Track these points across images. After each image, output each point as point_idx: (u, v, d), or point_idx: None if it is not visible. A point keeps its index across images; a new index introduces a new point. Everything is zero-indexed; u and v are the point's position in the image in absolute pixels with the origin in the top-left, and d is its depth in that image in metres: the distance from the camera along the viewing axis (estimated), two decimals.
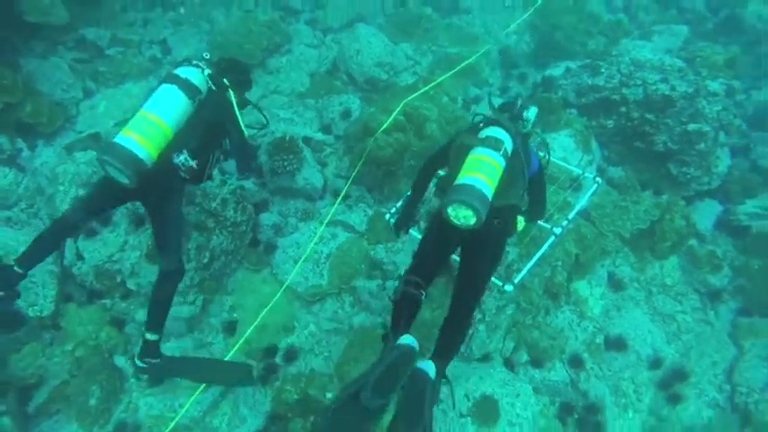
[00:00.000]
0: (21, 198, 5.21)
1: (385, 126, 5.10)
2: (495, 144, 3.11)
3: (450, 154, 3.43)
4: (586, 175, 4.79)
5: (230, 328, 4.84)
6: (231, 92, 3.77)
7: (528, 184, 3.40)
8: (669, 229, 5.38)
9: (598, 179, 4.72)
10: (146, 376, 4.55)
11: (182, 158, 3.50)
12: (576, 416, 4.63)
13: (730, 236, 5.64)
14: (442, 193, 3.35)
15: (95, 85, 6.15)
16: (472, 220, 2.94)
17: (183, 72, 3.54)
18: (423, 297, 3.15)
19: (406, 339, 2.81)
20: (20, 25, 5.92)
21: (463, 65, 6.32)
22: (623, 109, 5.69)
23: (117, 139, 3.21)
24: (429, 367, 2.81)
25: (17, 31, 6.00)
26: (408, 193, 4.04)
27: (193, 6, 7.34)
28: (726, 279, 5.40)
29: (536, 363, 4.77)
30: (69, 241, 4.89)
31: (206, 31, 7.14)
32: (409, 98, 5.39)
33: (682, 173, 5.59)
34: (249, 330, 4.50)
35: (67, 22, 6.18)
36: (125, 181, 3.19)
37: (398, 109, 5.19)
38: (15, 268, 3.51)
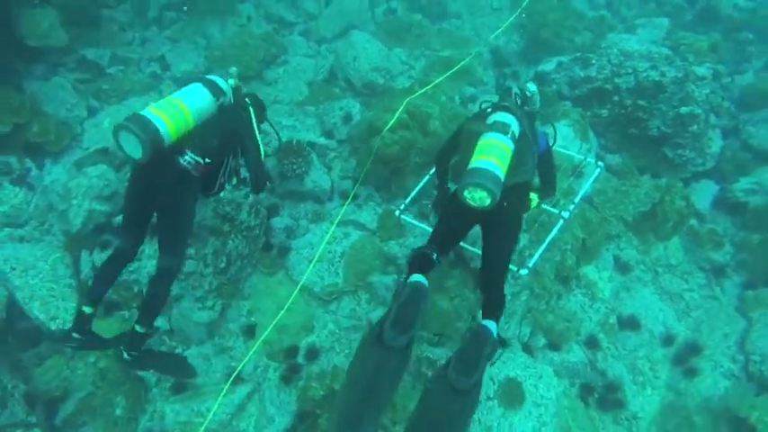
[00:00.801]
0: (31, 216, 5.23)
1: (390, 124, 5.23)
2: (502, 128, 3.28)
3: (461, 141, 3.61)
4: (588, 160, 4.95)
5: (249, 332, 4.87)
6: (252, 110, 3.94)
7: (538, 162, 3.58)
8: (670, 210, 5.53)
9: (600, 163, 4.88)
10: (170, 384, 4.58)
11: (186, 158, 3.52)
12: (597, 395, 4.72)
13: (728, 213, 5.83)
14: (456, 178, 3.49)
15: (99, 103, 6.22)
16: (487, 201, 3.08)
17: (209, 76, 3.73)
18: (435, 257, 3.29)
19: (415, 277, 2.99)
20: (20, 49, 6.01)
21: (458, 66, 6.50)
22: (616, 98, 5.90)
23: (140, 112, 3.29)
24: (492, 326, 2.97)
25: (18, 56, 6.08)
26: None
27: (188, 23, 7.48)
28: (728, 255, 5.56)
29: (554, 346, 4.86)
30: (85, 255, 4.94)
31: (203, 46, 7.27)
32: (412, 97, 5.54)
33: (677, 155, 5.79)
34: (267, 331, 4.55)
35: (67, 44, 6.30)
36: (138, 153, 3.18)
37: (402, 107, 5.32)
38: (84, 309, 3.54)
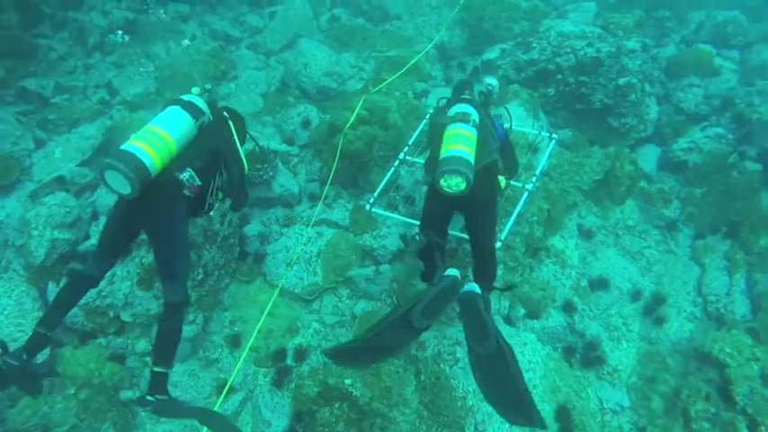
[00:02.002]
0: None
1: (351, 121, 5.34)
2: (464, 117, 3.53)
3: (429, 137, 3.84)
4: (543, 134, 5.22)
5: (234, 342, 4.82)
6: (231, 122, 3.85)
7: (499, 147, 3.85)
8: (621, 175, 5.90)
9: (554, 136, 5.16)
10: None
11: (186, 176, 3.43)
12: (579, 355, 4.94)
13: (672, 172, 6.28)
14: (431, 171, 3.66)
15: (46, 134, 6.00)
16: (463, 185, 3.28)
17: (185, 96, 3.64)
18: (443, 242, 3.54)
19: (453, 271, 3.17)
20: None
21: (410, 64, 6.72)
22: (560, 76, 6.25)
23: (123, 146, 3.17)
24: (473, 287, 3.15)
25: None
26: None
27: (132, 47, 7.36)
28: (677, 210, 5.98)
29: (533, 315, 5.06)
30: (52, 286, 4.75)
31: (151, 68, 7.16)
32: (369, 93, 5.68)
33: (621, 124, 6.20)
34: (252, 338, 4.49)
35: (2, 77, 6.09)
36: (127, 190, 3.11)
37: (360, 104, 5.45)
38: (39, 330, 3.31)
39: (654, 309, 5.25)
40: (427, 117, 5.36)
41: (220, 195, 3.92)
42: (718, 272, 5.40)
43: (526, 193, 4.72)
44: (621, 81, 6.06)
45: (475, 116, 3.57)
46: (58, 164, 5.66)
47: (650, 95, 6.46)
